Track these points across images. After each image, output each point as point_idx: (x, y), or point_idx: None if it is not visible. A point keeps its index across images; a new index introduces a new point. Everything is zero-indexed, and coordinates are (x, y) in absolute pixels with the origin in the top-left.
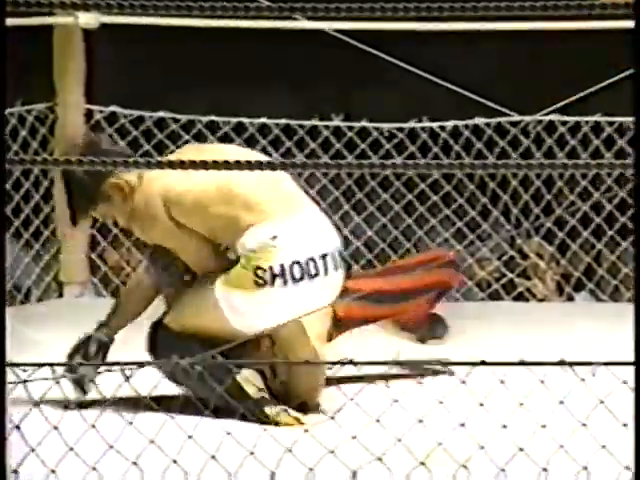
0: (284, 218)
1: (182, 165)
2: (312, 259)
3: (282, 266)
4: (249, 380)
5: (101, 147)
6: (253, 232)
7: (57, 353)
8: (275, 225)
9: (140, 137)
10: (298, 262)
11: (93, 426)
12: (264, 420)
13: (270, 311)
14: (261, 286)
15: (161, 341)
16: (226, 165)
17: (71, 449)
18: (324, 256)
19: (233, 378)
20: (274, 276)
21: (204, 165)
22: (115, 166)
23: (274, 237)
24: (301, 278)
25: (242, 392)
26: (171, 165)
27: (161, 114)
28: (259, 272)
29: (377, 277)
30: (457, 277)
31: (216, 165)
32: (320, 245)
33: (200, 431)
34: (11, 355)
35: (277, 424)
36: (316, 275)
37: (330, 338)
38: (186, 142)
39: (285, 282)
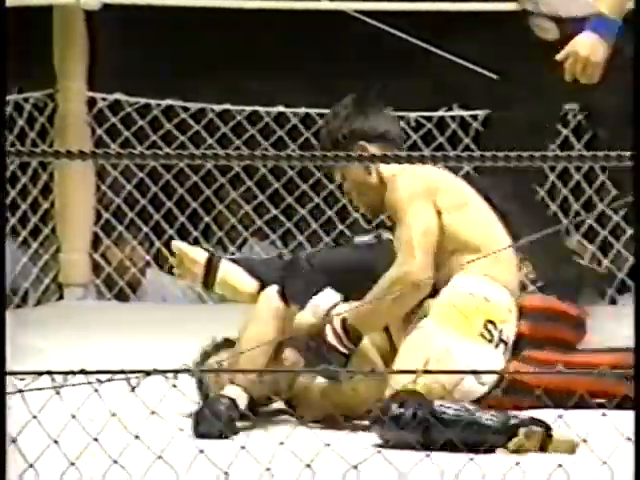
0: (510, 288)
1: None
2: (510, 341)
3: (508, 337)
4: None
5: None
6: (485, 279)
7: (57, 360)
8: (505, 290)
9: (147, 127)
10: (508, 339)
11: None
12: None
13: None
14: (487, 341)
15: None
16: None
17: (72, 463)
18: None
19: None
20: (501, 340)
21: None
22: (120, 158)
23: (507, 301)
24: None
25: None
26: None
27: (169, 102)
28: (490, 326)
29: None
30: (622, 388)
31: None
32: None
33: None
34: (8, 363)
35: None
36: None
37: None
38: (196, 133)
39: (504, 352)
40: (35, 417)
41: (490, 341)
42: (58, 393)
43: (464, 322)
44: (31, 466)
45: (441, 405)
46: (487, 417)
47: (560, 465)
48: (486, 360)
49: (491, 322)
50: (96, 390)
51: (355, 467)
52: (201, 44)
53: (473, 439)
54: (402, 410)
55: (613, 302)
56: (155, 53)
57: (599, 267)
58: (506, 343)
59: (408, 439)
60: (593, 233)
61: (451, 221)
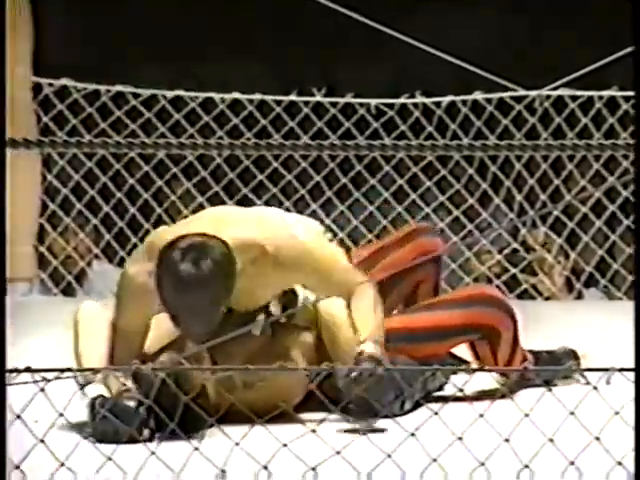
0: None
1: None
2: None
3: None
4: None
5: None
6: None
7: None
8: None
9: (95, 114)
10: None
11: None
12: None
13: None
14: None
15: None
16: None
17: (17, 467)
18: None
19: None
20: None
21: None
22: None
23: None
24: None
25: None
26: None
27: (119, 88)
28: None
29: (414, 314)
30: (504, 322)
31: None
32: None
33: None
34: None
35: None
36: None
37: None
38: (148, 120)
39: None
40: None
41: None
42: (43, 390)
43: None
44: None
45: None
46: None
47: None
48: None
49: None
50: (42, 389)
51: (314, 469)
52: (152, 28)
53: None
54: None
55: (580, 297)
56: (103, 37)
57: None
58: None
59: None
60: (560, 225)
61: None
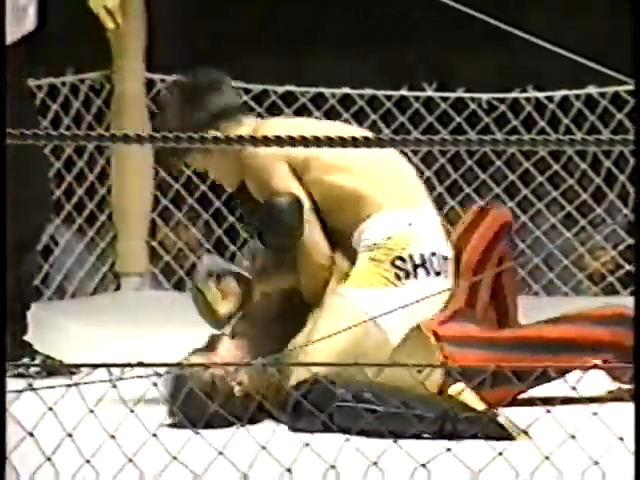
0: (415, 207)
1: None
2: (439, 255)
3: (422, 256)
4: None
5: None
6: (383, 217)
7: (113, 352)
8: (408, 211)
9: None
10: (435, 254)
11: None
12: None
13: (415, 308)
14: (401, 279)
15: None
16: (316, 141)
17: (130, 460)
18: (445, 258)
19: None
20: (416, 266)
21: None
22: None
23: (410, 224)
24: (438, 273)
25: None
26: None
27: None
28: (398, 263)
29: (543, 325)
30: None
31: (304, 141)
32: (442, 245)
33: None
34: (60, 354)
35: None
36: (439, 274)
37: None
38: (259, 116)
39: (428, 273)
40: (92, 411)
41: (406, 277)
42: (115, 386)
43: (367, 279)
44: (88, 462)
45: (344, 394)
46: (413, 405)
47: (500, 453)
48: (409, 297)
49: (399, 258)
50: (155, 384)
51: (424, 465)
52: (261, 22)
53: (391, 428)
54: (302, 399)
55: None
56: (215, 31)
57: None
58: (423, 263)
59: (311, 426)
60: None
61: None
